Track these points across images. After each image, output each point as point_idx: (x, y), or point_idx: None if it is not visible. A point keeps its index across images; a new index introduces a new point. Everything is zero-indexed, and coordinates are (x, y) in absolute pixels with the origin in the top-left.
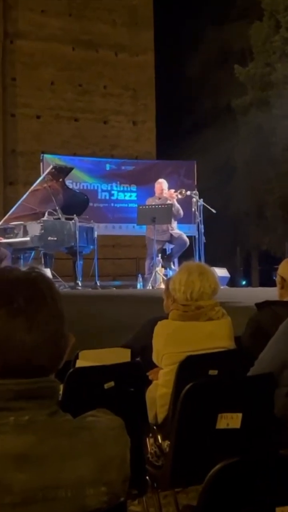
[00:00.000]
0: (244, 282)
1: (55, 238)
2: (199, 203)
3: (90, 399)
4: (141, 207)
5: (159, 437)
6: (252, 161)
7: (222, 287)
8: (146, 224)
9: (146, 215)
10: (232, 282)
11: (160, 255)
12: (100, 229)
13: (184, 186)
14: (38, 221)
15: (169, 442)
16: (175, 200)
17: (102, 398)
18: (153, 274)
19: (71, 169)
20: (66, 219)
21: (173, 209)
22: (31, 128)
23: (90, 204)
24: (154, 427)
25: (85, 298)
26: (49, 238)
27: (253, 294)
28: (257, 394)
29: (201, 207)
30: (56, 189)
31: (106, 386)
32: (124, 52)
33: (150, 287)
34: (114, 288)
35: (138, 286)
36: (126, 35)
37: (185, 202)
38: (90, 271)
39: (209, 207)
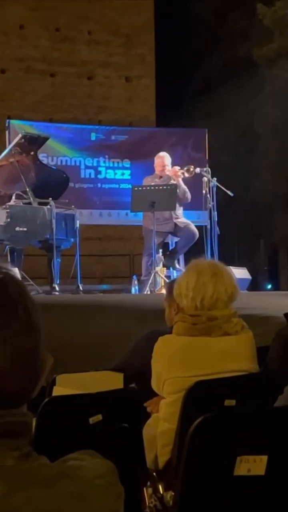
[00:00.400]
0: (269, 286)
1: (25, 229)
2: (211, 184)
3: (71, 437)
4: (136, 188)
5: (160, 486)
6: (280, 128)
7: (241, 292)
8: (143, 211)
9: (143, 199)
10: (255, 285)
11: (161, 251)
12: (83, 217)
13: (192, 161)
14: (3, 206)
15: (172, 493)
16: (180, 180)
17: (86, 436)
18: (152, 275)
19: (45, 139)
20: (39, 204)
21: (178, 191)
22: None
23: (71, 184)
24: (154, 474)
25: (64, 307)
26: (17, 228)
27: (282, 302)
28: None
29: (215, 189)
30: (26, 165)
31: (91, 420)
32: None
33: (148, 292)
34: (102, 294)
35: (133, 291)
36: None
37: (194, 182)
38: (70, 271)
39: (224, 188)
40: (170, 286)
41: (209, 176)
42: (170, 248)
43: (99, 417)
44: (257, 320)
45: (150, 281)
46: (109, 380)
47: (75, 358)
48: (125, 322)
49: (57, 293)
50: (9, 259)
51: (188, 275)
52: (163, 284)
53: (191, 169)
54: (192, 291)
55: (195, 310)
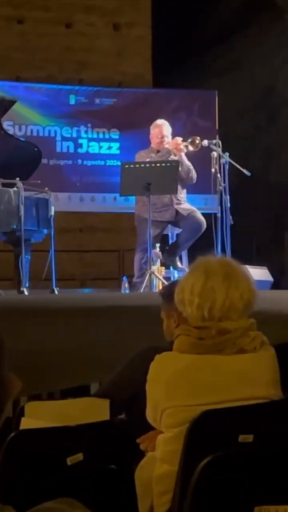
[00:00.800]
0: None
1: None
2: (223, 160)
3: (44, 482)
4: (127, 166)
5: None
6: None
7: (262, 292)
8: (136, 195)
9: (135, 179)
10: (277, 289)
11: (158, 245)
12: (59, 203)
13: (198, 131)
14: None
15: None
16: (183, 155)
17: (64, 480)
18: (147, 276)
19: (12, 102)
20: (3, 185)
21: (180, 169)
22: None
23: (44, 160)
24: None
25: (35, 315)
26: None
27: None
28: None
29: (227, 167)
30: None
31: (70, 460)
32: None
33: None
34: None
35: None
36: None
37: (201, 158)
38: (43, 271)
39: (239, 166)
40: (169, 290)
41: (220, 150)
42: (170, 242)
43: (79, 456)
44: (280, 319)
45: (144, 284)
46: (92, 410)
47: (49, 381)
48: (112, 335)
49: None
50: None
51: (194, 276)
52: (160, 287)
53: (197, 141)
54: (199, 297)
55: (202, 321)
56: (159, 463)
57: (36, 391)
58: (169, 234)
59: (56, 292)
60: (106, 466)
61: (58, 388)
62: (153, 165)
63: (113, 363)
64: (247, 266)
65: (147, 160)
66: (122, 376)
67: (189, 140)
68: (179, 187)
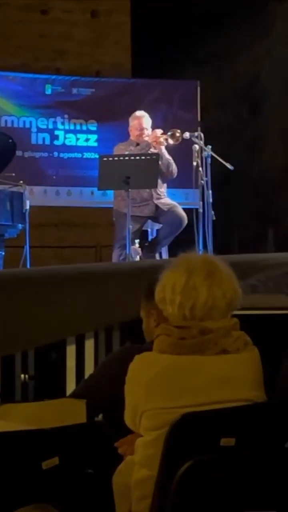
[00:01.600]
0: None
1: None
2: (205, 154)
3: (18, 487)
4: (105, 159)
5: None
6: None
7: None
8: (115, 189)
9: (114, 173)
10: None
11: (137, 241)
12: (35, 197)
13: (180, 123)
14: None
15: None
16: (163, 148)
17: (39, 485)
18: None
19: None
20: None
21: (160, 163)
22: None
23: (18, 152)
24: None
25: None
26: None
27: None
28: None
29: (209, 160)
30: None
31: (45, 465)
32: None
33: None
34: None
35: None
36: None
37: (182, 151)
38: (18, 267)
39: (221, 160)
40: (149, 288)
41: (202, 143)
42: (150, 237)
43: (55, 460)
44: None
45: None
46: (68, 412)
47: None
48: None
49: None
50: None
51: (175, 274)
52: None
53: (177, 134)
54: (180, 296)
55: (184, 320)
56: (137, 468)
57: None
58: (149, 230)
59: None
60: (82, 471)
61: (32, 346)
62: (132, 158)
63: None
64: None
65: (126, 153)
66: (99, 376)
67: (169, 133)
68: (159, 181)
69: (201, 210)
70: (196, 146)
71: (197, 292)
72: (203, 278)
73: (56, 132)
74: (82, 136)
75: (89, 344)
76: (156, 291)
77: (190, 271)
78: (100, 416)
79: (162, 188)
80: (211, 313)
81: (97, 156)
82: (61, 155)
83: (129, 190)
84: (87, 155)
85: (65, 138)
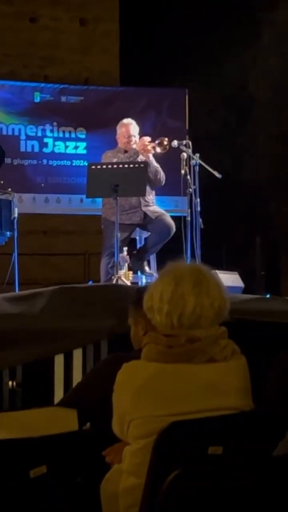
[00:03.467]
0: (268, 296)
1: None
2: (193, 162)
3: (6, 496)
4: (94, 167)
5: None
6: (282, 89)
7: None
8: (103, 197)
9: (102, 181)
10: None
11: (126, 249)
12: (23, 204)
13: (168, 131)
14: None
15: None
16: (151, 156)
17: (26, 494)
18: (114, 282)
19: None
20: None
21: (148, 170)
22: None
23: (7, 160)
24: None
25: None
26: None
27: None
28: None
29: (197, 168)
30: None
31: (33, 473)
32: None
33: None
34: None
35: None
36: None
37: (170, 159)
38: (5, 275)
39: (209, 168)
40: (138, 296)
41: (190, 151)
42: (138, 245)
43: (42, 469)
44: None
45: None
46: (57, 420)
47: None
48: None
49: None
50: None
51: (163, 283)
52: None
53: (165, 143)
54: (168, 304)
55: (172, 329)
56: (125, 476)
57: None
58: (137, 238)
59: None
60: (70, 479)
61: (19, 362)
62: (120, 166)
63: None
64: (217, 271)
65: (114, 160)
66: (87, 385)
67: (157, 142)
68: (147, 188)
69: (189, 219)
70: (184, 154)
71: (184, 301)
72: (191, 287)
73: (45, 140)
74: (71, 144)
75: (77, 352)
76: (144, 300)
77: (178, 280)
78: (88, 425)
79: (151, 196)
80: (199, 322)
81: (86, 164)
82: (50, 162)
83: (118, 198)
84: (76, 162)
85: (54, 145)
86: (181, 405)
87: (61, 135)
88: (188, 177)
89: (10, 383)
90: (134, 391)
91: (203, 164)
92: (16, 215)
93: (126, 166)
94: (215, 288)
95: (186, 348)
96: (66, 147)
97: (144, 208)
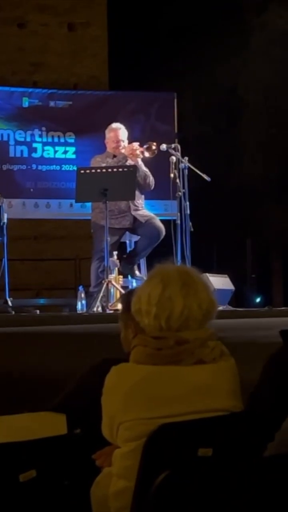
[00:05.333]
0: (258, 299)
1: None
2: (182, 165)
3: None
4: (83, 171)
5: None
6: (272, 92)
7: (221, 308)
8: (92, 201)
9: (92, 185)
10: (239, 298)
11: (116, 253)
12: (13, 209)
13: (157, 135)
14: None
15: None
16: (139, 161)
17: (16, 498)
18: (104, 286)
19: None
20: None
21: (137, 174)
22: None
23: None
24: None
25: None
26: None
27: (275, 321)
28: (282, 490)
29: (186, 172)
30: None
31: (22, 477)
32: None
33: (100, 309)
34: (38, 311)
35: (79, 306)
36: None
37: (160, 163)
38: None
39: (199, 171)
40: (127, 299)
41: (179, 155)
42: (128, 249)
43: (32, 473)
44: (241, 346)
45: (101, 294)
46: (47, 424)
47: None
48: (68, 352)
49: None
50: None
51: (151, 285)
52: (118, 297)
53: (153, 147)
54: (156, 307)
55: (160, 331)
56: (115, 479)
57: None
58: (127, 242)
59: (10, 303)
60: (60, 483)
61: None
62: (109, 170)
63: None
64: (207, 275)
65: (103, 165)
66: (77, 389)
67: (145, 146)
68: (137, 193)
69: (178, 222)
70: (173, 158)
71: (172, 303)
72: (179, 289)
73: (34, 145)
74: (60, 149)
75: None
76: (132, 302)
77: (166, 282)
78: (78, 429)
79: (140, 200)
80: (187, 324)
81: (75, 168)
82: (39, 167)
83: (107, 202)
84: (65, 167)
85: (43, 150)
86: (170, 407)
87: (50, 140)
88: (178, 180)
89: None
90: (123, 394)
91: (192, 167)
92: (5, 220)
93: (115, 170)
94: (203, 290)
95: (174, 350)
96: (55, 152)
97: (133, 212)
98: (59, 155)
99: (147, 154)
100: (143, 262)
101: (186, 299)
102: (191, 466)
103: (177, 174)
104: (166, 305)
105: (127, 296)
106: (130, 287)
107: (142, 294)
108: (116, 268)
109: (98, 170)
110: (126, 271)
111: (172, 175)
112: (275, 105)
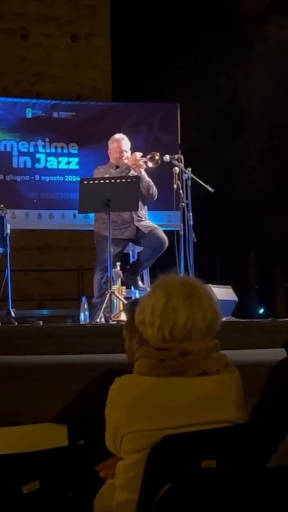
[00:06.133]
0: (262, 310)
1: None
2: (185, 176)
3: None
4: (86, 182)
5: None
6: (273, 103)
7: (225, 319)
8: (95, 212)
9: (95, 196)
10: (242, 309)
11: (119, 264)
12: (16, 220)
13: (160, 145)
14: None
15: None
16: (143, 171)
17: (19, 509)
18: (108, 297)
19: None
20: None
21: (141, 185)
22: None
23: None
24: None
25: None
26: None
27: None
28: (285, 501)
29: (189, 183)
30: None
31: (25, 489)
32: None
33: (103, 320)
34: (41, 322)
35: (82, 317)
36: None
37: (163, 174)
38: None
39: (202, 182)
40: (131, 309)
41: (182, 165)
42: (131, 260)
43: (35, 484)
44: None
45: (104, 305)
46: (49, 435)
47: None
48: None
49: None
50: None
51: (154, 296)
52: (121, 308)
53: (156, 157)
54: (159, 318)
55: (163, 342)
56: (119, 491)
57: None
58: (130, 253)
59: (13, 314)
60: (64, 494)
61: None
62: (113, 181)
63: None
64: (210, 285)
65: (106, 175)
66: (80, 400)
67: (149, 156)
68: (140, 203)
69: (182, 233)
70: (177, 169)
71: (176, 314)
72: (183, 300)
73: (37, 156)
74: (63, 159)
75: None
76: (136, 313)
77: (169, 293)
78: (81, 441)
79: (143, 211)
80: (191, 335)
81: (78, 179)
82: (43, 178)
83: (110, 213)
84: (68, 178)
85: (46, 161)
86: (174, 419)
87: (53, 150)
88: (181, 191)
89: None
90: (126, 405)
91: (196, 178)
92: (8, 231)
93: (118, 181)
94: (206, 301)
95: (178, 361)
96: (59, 162)
97: (136, 223)
98: (62, 165)
99: (150, 164)
100: (146, 273)
101: (190, 310)
102: (194, 477)
103: (180, 185)
104: (169, 316)
105: (132, 306)
106: (133, 298)
107: (146, 305)
108: (119, 279)
109: (101, 181)
110: (129, 282)
111: (175, 186)
112: (277, 116)
